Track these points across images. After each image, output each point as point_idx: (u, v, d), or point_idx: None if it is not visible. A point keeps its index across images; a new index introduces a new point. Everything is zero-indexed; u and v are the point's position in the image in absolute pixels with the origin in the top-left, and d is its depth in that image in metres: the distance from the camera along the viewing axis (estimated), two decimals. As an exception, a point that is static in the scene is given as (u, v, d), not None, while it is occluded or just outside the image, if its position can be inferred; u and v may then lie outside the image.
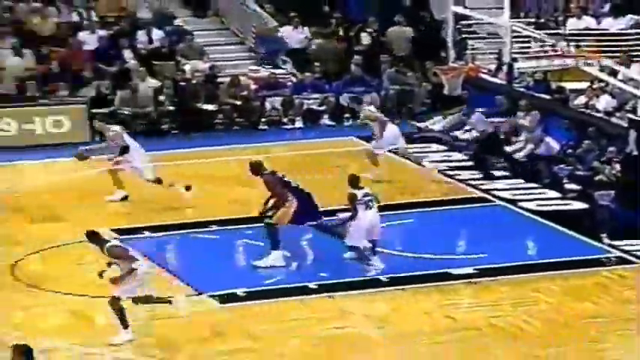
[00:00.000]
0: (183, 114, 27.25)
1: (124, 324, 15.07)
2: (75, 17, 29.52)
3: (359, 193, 17.64)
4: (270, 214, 18.04)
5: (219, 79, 28.34)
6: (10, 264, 18.12)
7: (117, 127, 21.81)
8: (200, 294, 16.87)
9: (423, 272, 17.66)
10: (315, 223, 18.47)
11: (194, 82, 27.91)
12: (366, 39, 30.16)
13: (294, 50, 29.91)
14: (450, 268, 17.76)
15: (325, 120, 27.86)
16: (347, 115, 27.88)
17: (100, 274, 15.11)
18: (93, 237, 15.31)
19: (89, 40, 28.65)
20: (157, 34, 29.33)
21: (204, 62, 28.82)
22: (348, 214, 17.64)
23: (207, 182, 22.13)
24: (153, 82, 27.63)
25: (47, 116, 25.97)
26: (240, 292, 16.89)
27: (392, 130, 22.96)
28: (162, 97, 27.49)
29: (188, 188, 21.13)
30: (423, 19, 31.36)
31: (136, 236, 19.21)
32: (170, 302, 15.54)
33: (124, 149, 21.21)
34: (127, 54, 28.63)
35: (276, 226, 17.94)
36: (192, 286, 17.15)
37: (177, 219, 20.20)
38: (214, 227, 18.93)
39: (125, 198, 21.31)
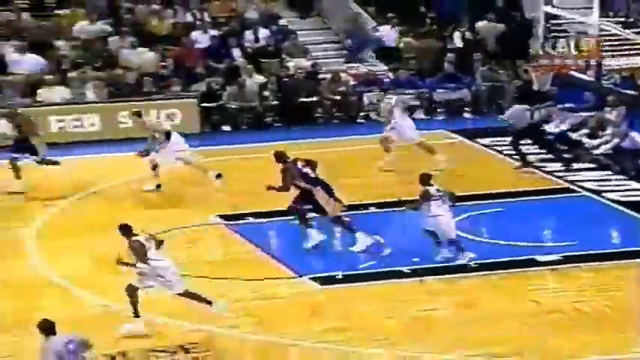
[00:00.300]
0: (286, 108, 27.32)
1: (136, 314, 14.87)
2: (189, 18, 29.73)
3: (432, 190, 17.30)
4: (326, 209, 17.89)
5: (321, 76, 28.35)
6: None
7: (151, 117, 21.92)
8: (301, 276, 16.87)
9: (510, 259, 17.45)
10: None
11: (297, 78, 27.97)
12: (458, 38, 29.92)
13: (389, 48, 29.79)
14: (536, 255, 17.51)
15: (419, 114, 27.70)
16: (440, 110, 27.79)
17: (119, 262, 14.91)
18: (124, 229, 15.09)
19: (201, 39, 28.84)
20: (263, 33, 29.42)
21: (307, 60, 28.86)
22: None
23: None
24: (259, 78, 27.74)
25: (161, 110, 26.22)
26: (338, 274, 16.84)
27: (409, 124, 22.76)
28: (267, 92, 27.61)
29: (219, 176, 21.20)
30: (514, 18, 31.04)
31: (240, 222, 19.31)
32: (210, 304, 15.13)
33: (168, 135, 21.25)
34: (236, 52, 28.78)
35: (340, 217, 17.87)
36: (293, 269, 17.17)
37: (279, 206, 20.21)
38: (312, 214, 18.84)
39: (158, 187, 21.31)
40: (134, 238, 14.91)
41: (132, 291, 14.88)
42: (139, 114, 22.33)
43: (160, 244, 15.04)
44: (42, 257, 17.91)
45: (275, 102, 27.52)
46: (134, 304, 14.87)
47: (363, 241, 17.86)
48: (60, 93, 26.35)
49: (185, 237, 18.66)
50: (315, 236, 17.98)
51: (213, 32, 29.14)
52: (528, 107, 23.21)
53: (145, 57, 27.88)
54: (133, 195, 21.28)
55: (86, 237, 18.69)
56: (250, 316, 15.47)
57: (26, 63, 27.05)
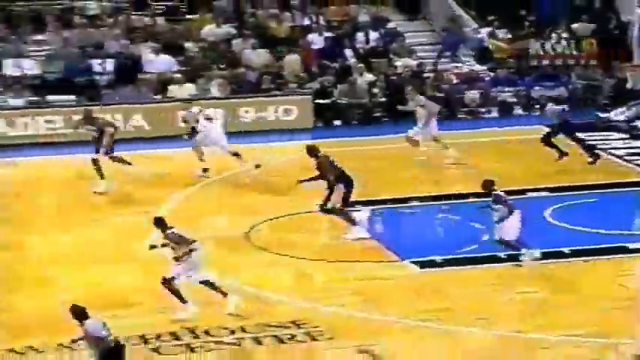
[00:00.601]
0: (393, 104, 27.22)
1: (182, 300, 14.56)
2: (306, 21, 29.87)
3: (500, 193, 16.65)
4: (324, 201, 17.78)
5: (425, 74, 28.21)
6: (246, 230, 18.37)
7: (194, 109, 21.87)
8: (402, 260, 16.84)
9: (602, 246, 17.16)
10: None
11: (403, 76, 27.88)
12: (555, 39, 29.50)
13: (487, 49, 29.54)
14: (627, 243, 17.19)
15: (517, 110, 27.39)
16: (537, 106, 27.48)
17: (151, 247, 14.83)
18: (158, 222, 14.86)
19: (317, 40, 28.95)
20: (373, 35, 29.43)
21: (413, 59, 28.76)
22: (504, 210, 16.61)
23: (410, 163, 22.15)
24: (369, 77, 27.75)
25: (279, 105, 26.38)
26: (438, 259, 16.76)
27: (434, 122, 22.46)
28: (375, 90, 27.58)
29: (257, 166, 21.27)
30: (610, 20, 30.48)
31: (349, 209, 19.28)
32: (226, 295, 14.83)
33: (194, 128, 21.36)
34: (348, 53, 28.82)
35: (337, 209, 17.72)
36: (396, 252, 17.13)
37: (384, 195, 20.22)
38: (415, 203, 18.83)
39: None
40: (169, 230, 14.70)
41: (168, 283, 14.58)
42: (189, 102, 22.43)
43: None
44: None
45: (383, 99, 27.48)
46: (176, 292, 14.55)
47: (356, 232, 17.67)
48: (188, 90, 26.71)
49: (297, 222, 18.72)
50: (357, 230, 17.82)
51: (328, 34, 29.22)
52: (563, 108, 22.72)
53: (264, 57, 28.11)
54: (252, 182, 21.38)
55: (209, 220, 18.90)
56: (357, 295, 15.47)
57: (159, 63, 27.49)
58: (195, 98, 24.75)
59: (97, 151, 20.60)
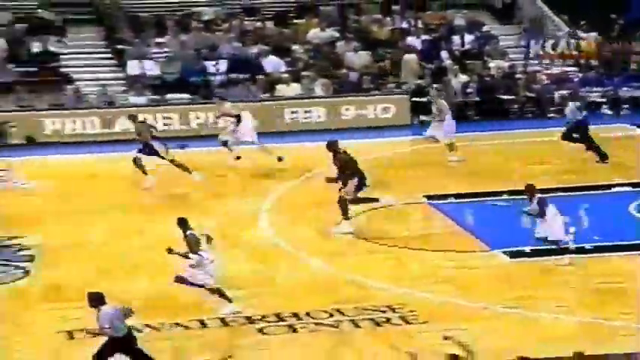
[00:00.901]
0: (486, 104, 27.04)
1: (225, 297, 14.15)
2: (405, 25, 29.78)
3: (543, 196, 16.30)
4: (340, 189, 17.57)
5: (517, 75, 27.90)
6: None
7: (227, 103, 21.75)
8: (493, 250, 16.70)
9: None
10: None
11: (496, 77, 27.62)
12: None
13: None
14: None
15: (605, 110, 26.90)
16: (625, 106, 26.97)
17: (169, 250, 14.23)
18: (181, 223, 14.31)
19: (415, 43, 28.84)
20: (468, 38, 29.20)
21: (506, 61, 28.46)
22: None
23: (502, 158, 21.90)
24: (463, 78, 27.55)
25: (378, 104, 26.37)
26: (527, 249, 16.57)
27: (451, 122, 22.07)
28: (469, 90, 27.37)
29: (280, 159, 21.22)
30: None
31: (443, 202, 19.24)
32: (231, 301, 14.32)
33: (238, 119, 21.32)
34: (444, 54, 28.64)
35: (347, 199, 17.46)
36: (486, 243, 16.99)
37: (477, 189, 20.07)
38: (505, 196, 18.61)
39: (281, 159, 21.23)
40: (189, 231, 14.20)
41: (179, 280, 14.06)
42: (221, 99, 22.34)
43: (209, 239, 14.35)
44: (273, 227, 18.24)
45: (476, 98, 27.26)
46: (189, 284, 14.07)
47: (345, 225, 17.45)
48: (294, 89, 26.88)
49: (394, 213, 18.68)
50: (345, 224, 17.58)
51: (425, 37, 29.08)
52: (579, 105, 22.22)
53: (364, 59, 28.11)
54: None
55: (310, 211, 18.98)
56: (448, 283, 15.40)
57: (268, 64, 27.70)
58: (301, 97, 24.84)
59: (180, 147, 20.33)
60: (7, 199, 19.93)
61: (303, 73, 27.44)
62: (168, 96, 26.54)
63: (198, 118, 25.55)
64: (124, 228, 18.22)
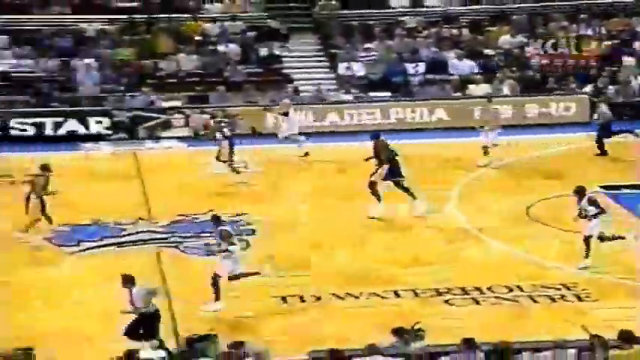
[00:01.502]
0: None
1: (217, 296, 13.62)
2: (590, 32, 28.63)
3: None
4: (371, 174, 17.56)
5: None
6: (525, 207, 18.09)
7: (286, 100, 21.67)
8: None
9: None
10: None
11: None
12: None
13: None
14: None
15: None
16: None
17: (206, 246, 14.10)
18: (214, 218, 14.24)
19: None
20: (650, 42, 28.00)
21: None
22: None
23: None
24: (643, 79, 26.47)
25: (559, 102, 25.75)
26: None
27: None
28: (649, 90, 26.30)
29: (306, 154, 20.91)
30: None
31: (618, 192, 18.58)
32: (258, 273, 14.06)
33: (286, 114, 21.41)
34: (625, 58, 27.55)
35: (376, 183, 17.37)
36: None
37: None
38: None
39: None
40: (222, 227, 14.02)
41: (214, 279, 13.70)
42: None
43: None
44: (462, 212, 18.06)
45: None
46: (217, 289, 13.67)
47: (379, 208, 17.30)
48: (483, 89, 26.58)
49: (567, 201, 18.07)
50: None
51: (607, 42, 28.07)
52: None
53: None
54: (533, 168, 20.89)
55: (492, 199, 18.65)
56: (619, 265, 14.96)
57: (462, 66, 27.53)
58: (489, 96, 24.42)
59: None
60: (233, 181, 20.29)
61: (494, 75, 27.08)
62: (372, 94, 26.83)
63: (397, 113, 25.69)
64: (328, 209, 18.30)
